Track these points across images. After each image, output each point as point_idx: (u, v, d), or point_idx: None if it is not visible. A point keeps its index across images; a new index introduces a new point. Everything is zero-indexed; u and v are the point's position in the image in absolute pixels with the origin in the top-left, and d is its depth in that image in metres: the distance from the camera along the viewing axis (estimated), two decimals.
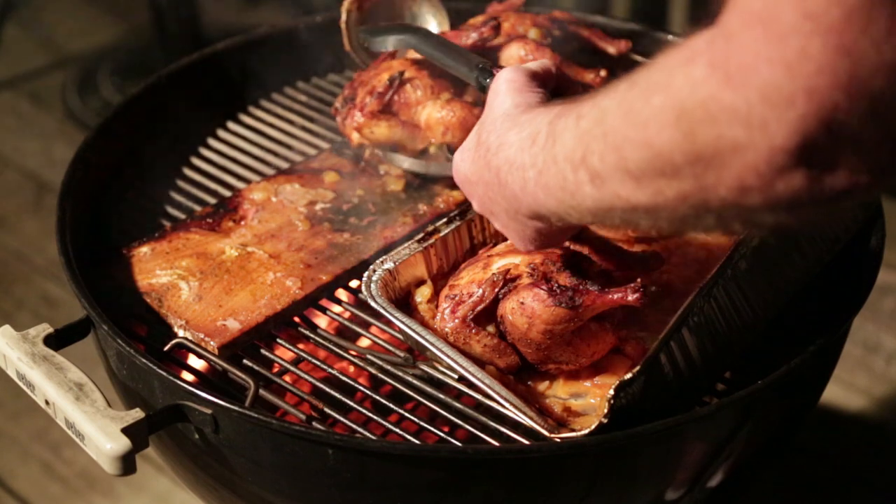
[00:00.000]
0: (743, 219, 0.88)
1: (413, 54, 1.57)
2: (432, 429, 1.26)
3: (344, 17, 1.62)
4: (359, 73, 1.59)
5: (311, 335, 1.38)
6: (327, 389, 1.31)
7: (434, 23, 1.71)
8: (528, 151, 1.06)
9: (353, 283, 1.46)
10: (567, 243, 1.31)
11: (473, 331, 1.25)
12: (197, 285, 1.41)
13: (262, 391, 1.28)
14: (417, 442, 1.26)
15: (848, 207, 1.06)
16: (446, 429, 1.28)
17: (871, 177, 0.79)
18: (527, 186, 1.06)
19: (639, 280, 1.28)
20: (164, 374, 1.23)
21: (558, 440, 1.17)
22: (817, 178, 0.79)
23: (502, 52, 1.69)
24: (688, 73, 0.83)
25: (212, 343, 1.34)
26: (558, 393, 1.27)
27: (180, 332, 1.36)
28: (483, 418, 1.24)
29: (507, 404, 1.20)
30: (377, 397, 1.30)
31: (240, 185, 1.65)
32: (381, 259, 1.34)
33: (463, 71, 1.42)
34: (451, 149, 1.51)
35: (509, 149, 1.10)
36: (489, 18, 1.74)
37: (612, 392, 1.13)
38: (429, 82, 1.51)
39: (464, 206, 1.43)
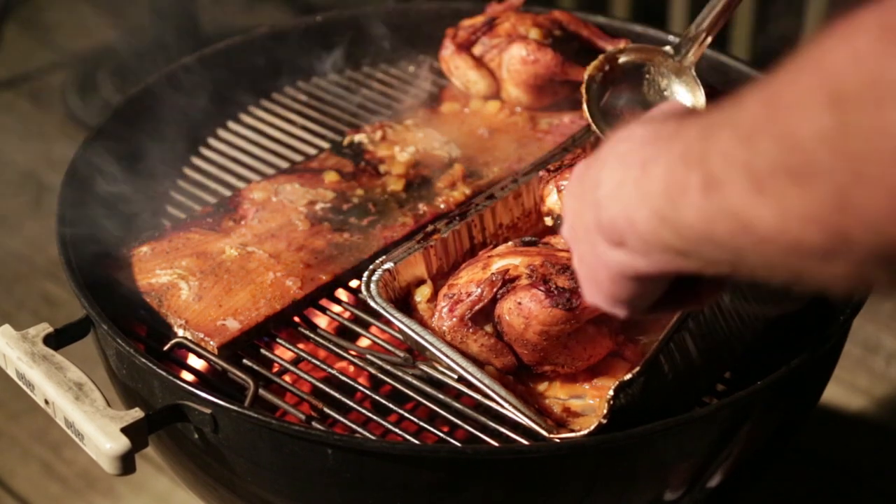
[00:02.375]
0: (889, 260, 0.64)
1: None
2: (432, 429, 1.26)
3: (585, 83, 1.46)
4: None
5: (311, 335, 1.38)
6: (327, 389, 1.31)
7: (689, 97, 1.51)
8: (640, 151, 0.83)
9: (353, 283, 1.46)
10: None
11: (471, 330, 1.25)
12: (197, 285, 1.41)
13: (261, 391, 1.28)
14: (417, 442, 1.26)
15: None
16: (446, 429, 1.28)
17: None
18: (621, 189, 0.83)
19: None
20: (163, 373, 1.23)
21: (558, 440, 1.17)
22: None
23: (503, 52, 1.69)
24: (849, 43, 0.64)
25: (211, 343, 1.34)
26: (557, 393, 1.27)
27: (180, 332, 1.36)
28: (482, 418, 1.24)
29: (506, 405, 1.20)
30: (377, 397, 1.30)
31: (240, 184, 1.65)
32: (381, 259, 1.34)
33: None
34: None
35: (618, 146, 0.87)
36: (488, 18, 1.74)
37: (611, 392, 1.13)
38: None
39: (464, 207, 1.43)
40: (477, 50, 1.72)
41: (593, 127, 1.45)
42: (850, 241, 0.65)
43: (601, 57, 1.47)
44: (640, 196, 0.81)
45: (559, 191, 1.32)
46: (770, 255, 0.71)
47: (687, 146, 0.77)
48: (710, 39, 1.46)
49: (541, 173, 1.39)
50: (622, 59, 1.48)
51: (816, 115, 0.65)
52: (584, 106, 1.44)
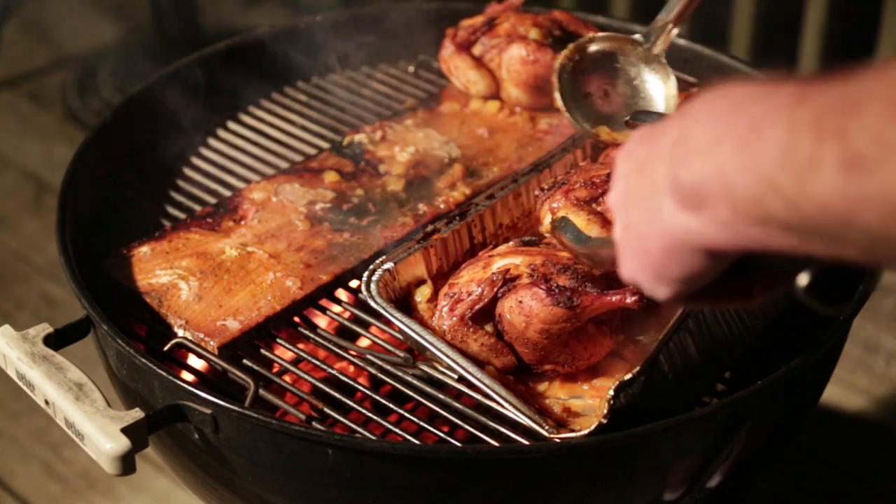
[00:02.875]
0: None
1: None
2: (432, 429, 1.26)
3: (556, 72, 1.47)
4: (585, 164, 1.42)
5: (311, 335, 1.38)
6: (327, 389, 1.31)
7: (661, 85, 1.51)
8: (746, 110, 0.73)
9: (353, 283, 1.46)
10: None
11: (471, 329, 1.25)
12: (197, 285, 1.41)
13: (261, 391, 1.28)
14: (417, 442, 1.26)
15: None
16: (446, 429, 1.28)
17: None
18: (717, 147, 0.74)
19: None
20: (163, 373, 1.23)
21: (558, 440, 1.17)
22: None
23: (503, 52, 1.69)
24: None
25: (212, 343, 1.34)
26: (558, 393, 1.27)
27: (180, 332, 1.36)
28: (483, 418, 1.24)
29: (506, 404, 1.20)
30: (377, 397, 1.30)
31: (240, 185, 1.65)
32: (381, 259, 1.34)
33: None
34: None
35: (713, 103, 0.77)
36: (488, 19, 1.74)
37: (611, 392, 1.13)
38: None
39: (464, 207, 1.43)
40: (477, 50, 1.72)
41: (565, 115, 1.45)
42: None
43: (571, 46, 1.48)
44: (745, 158, 0.72)
45: (553, 213, 1.33)
46: None
47: (817, 115, 0.68)
48: (676, 30, 1.49)
49: (535, 192, 1.39)
50: (592, 48, 1.49)
51: None
52: (556, 94, 1.45)
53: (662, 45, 1.49)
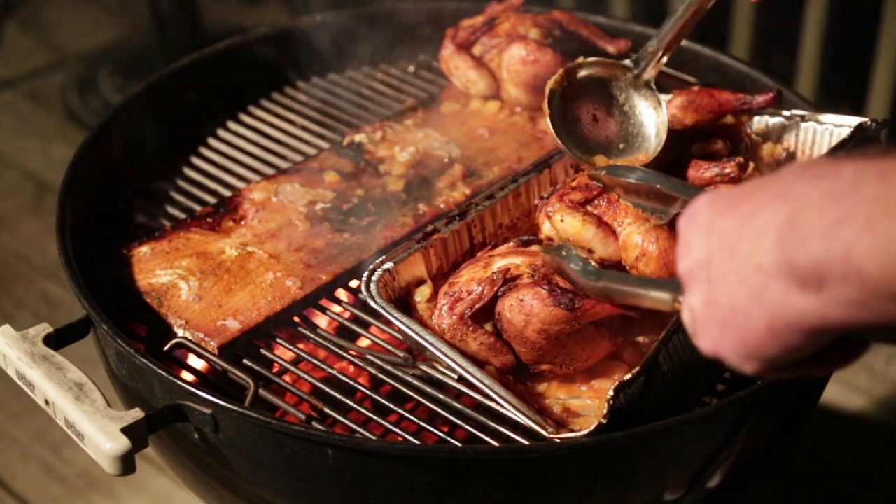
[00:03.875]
0: None
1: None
2: (432, 429, 1.26)
3: (546, 98, 1.46)
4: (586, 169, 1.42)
5: (311, 335, 1.38)
6: (327, 389, 1.31)
7: (652, 112, 1.49)
8: (864, 188, 0.74)
9: (353, 283, 1.46)
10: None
11: (470, 328, 1.26)
12: (197, 285, 1.41)
13: (261, 391, 1.28)
14: (417, 442, 1.26)
15: None
16: (446, 429, 1.28)
17: None
18: (839, 229, 0.74)
19: None
20: (163, 373, 1.23)
21: (558, 440, 1.17)
22: None
23: (503, 52, 1.69)
24: None
25: (211, 343, 1.34)
26: (557, 393, 1.27)
27: (180, 332, 1.36)
28: (482, 418, 1.24)
29: (506, 404, 1.20)
30: (377, 397, 1.30)
31: (240, 184, 1.65)
32: (380, 259, 1.34)
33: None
34: None
35: (817, 182, 0.78)
36: (488, 19, 1.74)
37: (611, 393, 1.13)
38: None
39: (464, 207, 1.43)
40: (477, 50, 1.72)
41: (556, 141, 1.44)
42: None
43: (561, 71, 1.48)
44: (877, 239, 0.72)
45: (549, 218, 1.33)
46: None
47: None
48: (666, 58, 1.48)
49: (535, 201, 1.39)
50: (582, 74, 1.49)
51: None
52: (548, 120, 1.44)
53: (652, 71, 1.49)
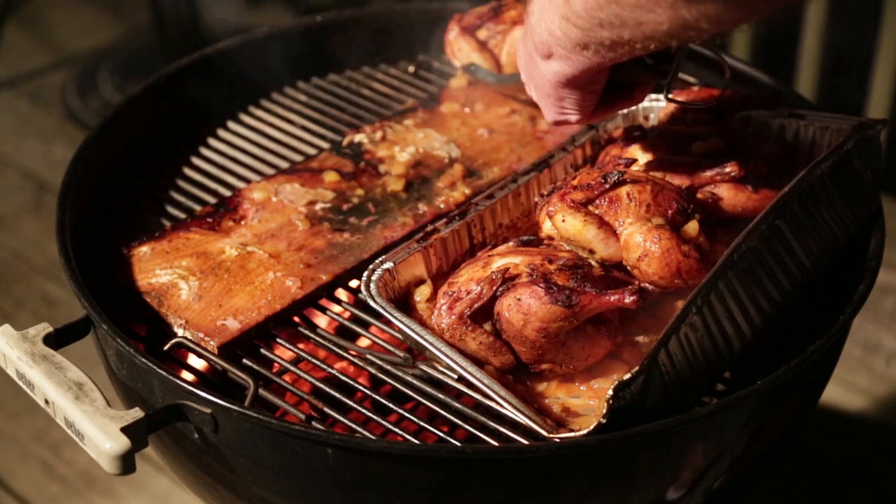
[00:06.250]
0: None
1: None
2: (432, 429, 1.26)
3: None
4: (587, 170, 1.43)
5: (311, 335, 1.38)
6: (327, 389, 1.31)
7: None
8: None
9: (353, 283, 1.46)
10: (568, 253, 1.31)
11: (469, 328, 1.25)
12: (197, 285, 1.41)
13: (261, 391, 1.28)
14: (417, 442, 1.26)
15: None
16: (446, 429, 1.28)
17: None
18: (542, 13, 1.17)
19: (636, 283, 1.28)
20: (163, 373, 1.23)
21: (557, 440, 1.17)
22: None
23: (507, 36, 1.71)
24: None
25: (211, 343, 1.34)
26: (557, 393, 1.27)
27: (180, 332, 1.36)
28: (482, 418, 1.24)
29: (506, 404, 1.20)
30: (377, 397, 1.30)
31: (240, 184, 1.65)
32: (380, 259, 1.34)
33: None
34: None
35: None
36: (495, 5, 1.75)
37: (611, 392, 1.13)
38: (647, 199, 1.32)
39: (464, 207, 1.43)
40: (482, 35, 1.73)
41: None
42: None
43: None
44: (552, 10, 1.15)
45: (550, 218, 1.33)
46: (636, 17, 1.04)
47: None
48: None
49: (535, 199, 1.40)
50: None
51: None
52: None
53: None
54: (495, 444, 1.22)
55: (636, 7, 1.04)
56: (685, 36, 1.06)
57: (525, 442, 1.20)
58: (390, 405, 1.29)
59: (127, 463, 1.17)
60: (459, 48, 1.74)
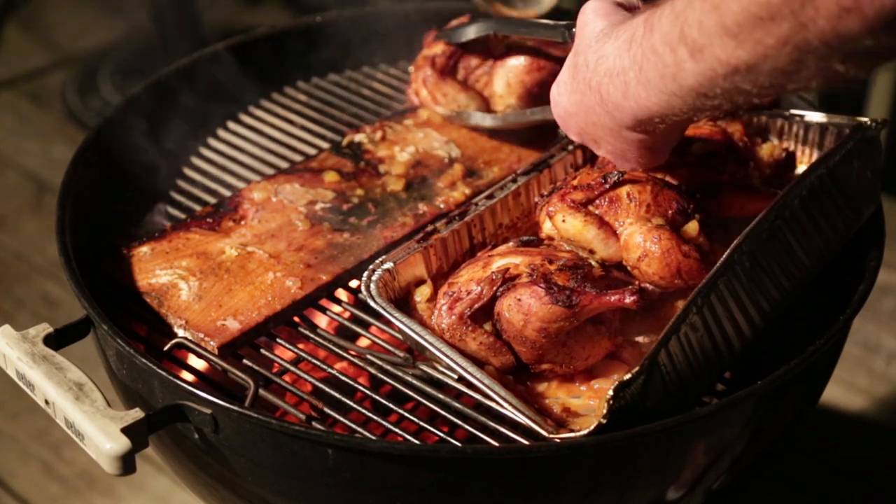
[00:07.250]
0: (844, 52, 0.91)
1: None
2: (432, 429, 1.26)
3: None
4: (587, 170, 1.44)
5: (311, 335, 1.38)
6: (327, 389, 1.31)
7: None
8: (627, 53, 1.11)
9: (353, 283, 1.46)
10: (567, 251, 1.31)
11: (469, 328, 1.26)
12: (197, 285, 1.41)
13: (261, 391, 1.28)
14: (417, 442, 1.26)
15: None
16: (446, 429, 1.28)
17: None
18: (629, 90, 1.12)
19: (636, 283, 1.28)
20: (163, 373, 1.23)
21: (558, 440, 1.17)
22: None
23: (497, 68, 1.69)
24: None
25: (212, 343, 1.34)
26: (557, 393, 1.27)
27: (180, 332, 1.36)
28: (482, 418, 1.24)
29: (506, 405, 1.20)
30: (377, 397, 1.30)
31: (240, 185, 1.65)
32: (380, 259, 1.34)
33: (547, 32, 1.47)
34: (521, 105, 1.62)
35: (608, 60, 1.15)
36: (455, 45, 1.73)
37: (611, 392, 1.13)
38: (648, 199, 1.31)
39: (464, 207, 1.43)
40: (459, 75, 1.69)
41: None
42: (810, 47, 0.92)
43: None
44: (647, 89, 1.10)
45: (551, 218, 1.33)
46: (757, 76, 0.99)
47: (665, 33, 1.04)
48: None
49: (535, 199, 1.40)
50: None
51: None
52: None
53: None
54: (495, 444, 1.22)
55: (776, 73, 0.98)
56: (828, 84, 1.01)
57: (525, 442, 1.20)
58: (390, 405, 1.29)
59: (127, 463, 1.17)
60: (444, 94, 1.67)
